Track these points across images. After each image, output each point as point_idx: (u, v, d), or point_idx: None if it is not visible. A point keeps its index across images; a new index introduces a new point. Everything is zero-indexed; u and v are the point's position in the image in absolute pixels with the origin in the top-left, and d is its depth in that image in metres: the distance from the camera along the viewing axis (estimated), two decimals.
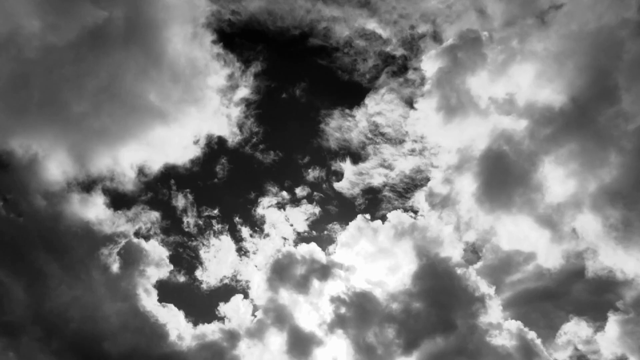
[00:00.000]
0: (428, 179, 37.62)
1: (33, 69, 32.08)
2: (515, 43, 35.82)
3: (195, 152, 36.56)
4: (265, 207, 37.91)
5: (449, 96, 36.54)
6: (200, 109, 36.37)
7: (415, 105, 37.41)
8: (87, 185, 33.58)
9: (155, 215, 35.35)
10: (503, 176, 34.88)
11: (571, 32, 34.25)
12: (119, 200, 34.61)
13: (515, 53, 35.84)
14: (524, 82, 35.88)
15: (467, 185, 36.10)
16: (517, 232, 34.88)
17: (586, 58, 33.60)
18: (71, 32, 32.28)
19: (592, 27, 33.48)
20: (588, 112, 33.08)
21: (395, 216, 36.04)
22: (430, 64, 36.90)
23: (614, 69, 32.88)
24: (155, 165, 35.78)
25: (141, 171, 35.34)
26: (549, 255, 34.16)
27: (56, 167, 32.70)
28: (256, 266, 36.27)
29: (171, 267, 34.00)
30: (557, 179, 33.93)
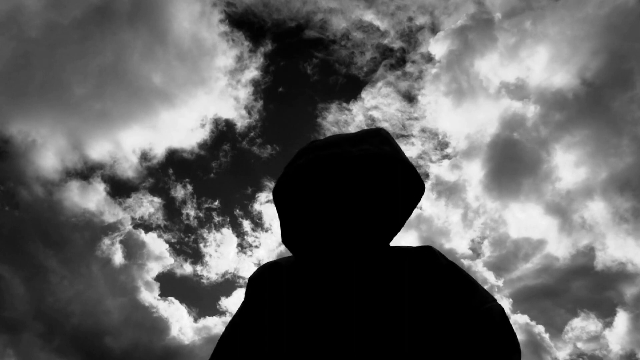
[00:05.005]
0: (427, 175, 36.62)
1: (35, 49, 31.14)
2: (528, 25, 34.60)
3: (201, 135, 35.59)
4: (263, 202, 37.20)
5: (459, 79, 35.47)
6: (208, 90, 35.41)
7: (422, 91, 36.30)
8: (86, 173, 32.78)
9: (156, 205, 34.67)
10: (513, 163, 34.03)
11: (585, 15, 33.00)
12: (119, 189, 33.91)
13: (528, 36, 34.64)
14: (535, 66, 34.78)
15: (475, 172, 35.28)
16: (526, 221, 34.18)
17: (600, 41, 32.42)
18: (76, 9, 31.25)
19: (606, 10, 32.21)
20: (601, 98, 32.05)
21: None
22: (438, 47, 35.74)
23: (629, 53, 31.75)
24: (158, 150, 34.90)
25: (144, 156, 34.46)
26: (558, 246, 33.49)
27: (54, 155, 31.98)
28: (258, 263, 35.74)
29: (172, 260, 33.49)
30: (568, 166, 33.08)
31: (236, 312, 1.69)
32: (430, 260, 1.60)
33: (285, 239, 1.69)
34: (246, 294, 1.68)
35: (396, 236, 1.75)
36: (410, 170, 1.64)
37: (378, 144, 1.63)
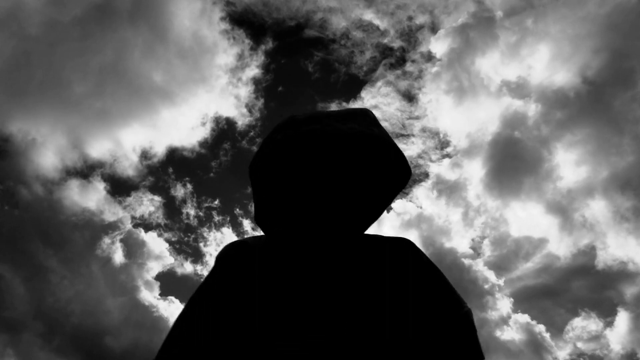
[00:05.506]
0: (427, 174, 36.46)
1: (35, 47, 31.06)
2: (529, 24, 34.53)
3: (202, 134, 35.48)
4: None
5: (460, 77, 35.40)
6: (209, 88, 35.34)
7: (423, 90, 36.20)
8: (86, 172, 32.74)
9: (156, 204, 34.58)
10: (514, 161, 33.98)
11: (586, 13, 32.90)
12: (119, 187, 33.85)
13: (529, 34, 34.56)
14: (537, 64, 34.71)
15: (476, 171, 35.23)
16: (526, 220, 34.14)
17: (601, 40, 32.32)
18: (76, 7, 31.20)
19: (607, 8, 32.10)
20: (602, 96, 31.96)
21: (401, 205, 35.29)
22: (439, 45, 35.64)
23: (630, 51, 31.64)
24: (159, 149, 34.79)
25: (144, 155, 34.28)
26: (559, 245, 33.43)
27: (54, 153, 31.91)
28: None
29: (172, 259, 33.41)
30: (569, 165, 33.03)
31: (196, 292, 1.56)
32: (412, 254, 1.56)
33: (259, 218, 1.58)
34: (213, 272, 1.57)
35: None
36: (398, 155, 1.56)
37: (367, 124, 1.53)
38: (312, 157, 1.49)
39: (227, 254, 1.59)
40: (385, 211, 1.65)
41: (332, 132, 1.47)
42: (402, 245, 1.58)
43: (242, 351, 1.42)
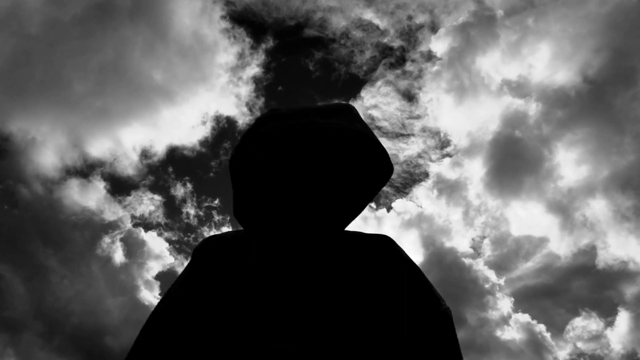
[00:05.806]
0: (427, 174, 36.36)
1: (35, 46, 31.05)
2: (530, 22, 34.50)
3: (202, 133, 35.40)
4: None
5: (461, 76, 35.34)
6: (209, 87, 35.31)
7: (423, 89, 36.13)
8: (86, 171, 32.61)
9: (156, 203, 34.54)
10: (515, 160, 33.95)
11: (587, 12, 32.89)
12: (119, 187, 33.77)
13: (529, 33, 34.52)
14: (537, 63, 34.69)
15: (476, 170, 35.19)
16: (527, 219, 34.10)
17: (602, 39, 32.31)
18: (76, 6, 31.19)
19: (608, 7, 32.11)
20: (603, 95, 31.94)
21: (401, 205, 35.28)
22: (440, 44, 35.59)
23: (631, 50, 31.64)
24: (159, 148, 34.64)
25: (144, 154, 34.20)
26: (559, 245, 33.40)
27: (54, 153, 31.86)
28: None
29: (172, 259, 33.38)
30: (569, 164, 33.02)
31: (171, 288, 1.56)
32: (391, 251, 1.56)
33: (239, 212, 1.55)
34: (189, 267, 1.56)
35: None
36: (381, 152, 1.54)
37: (350, 120, 1.51)
38: (301, 151, 1.47)
39: (204, 248, 1.57)
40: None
41: (316, 127, 1.46)
42: (382, 242, 1.57)
43: (225, 349, 1.40)
